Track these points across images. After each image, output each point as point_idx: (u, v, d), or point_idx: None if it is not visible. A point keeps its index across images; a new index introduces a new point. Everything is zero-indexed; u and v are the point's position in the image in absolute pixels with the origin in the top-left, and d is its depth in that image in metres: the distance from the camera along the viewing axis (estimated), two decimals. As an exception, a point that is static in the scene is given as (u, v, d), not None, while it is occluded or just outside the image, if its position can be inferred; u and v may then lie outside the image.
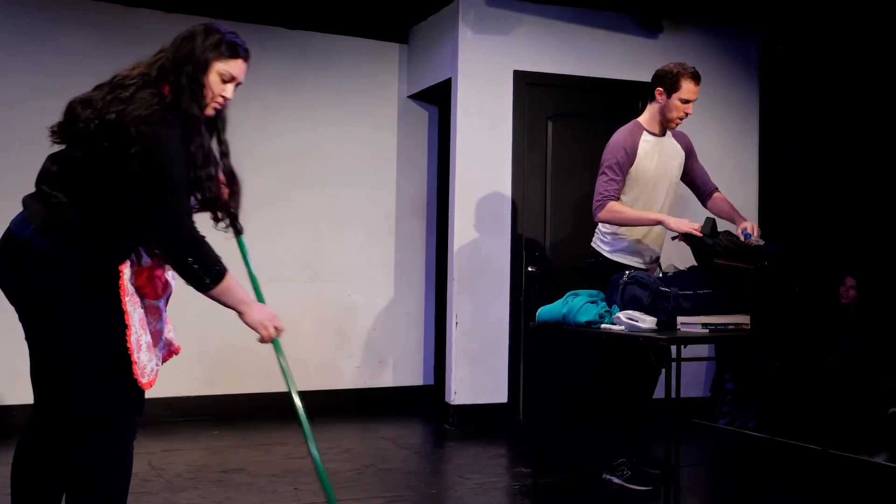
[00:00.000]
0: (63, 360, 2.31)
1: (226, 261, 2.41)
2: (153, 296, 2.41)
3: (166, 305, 2.51)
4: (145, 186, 2.23)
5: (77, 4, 5.33)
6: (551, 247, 5.60)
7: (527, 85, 5.58)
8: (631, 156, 4.00)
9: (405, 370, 6.15)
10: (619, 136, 4.09)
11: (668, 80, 4.00)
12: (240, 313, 2.44)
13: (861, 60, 5.54)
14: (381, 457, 4.66)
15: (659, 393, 4.69)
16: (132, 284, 2.35)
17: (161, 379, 5.92)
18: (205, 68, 2.32)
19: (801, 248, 5.80)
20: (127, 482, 2.50)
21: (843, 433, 4.71)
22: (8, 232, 2.32)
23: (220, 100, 2.39)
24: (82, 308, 2.29)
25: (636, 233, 4.08)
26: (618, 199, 3.97)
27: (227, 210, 2.52)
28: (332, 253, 5.96)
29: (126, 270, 2.33)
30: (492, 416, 5.46)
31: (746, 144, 6.11)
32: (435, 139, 6.29)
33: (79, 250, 2.29)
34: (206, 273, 2.31)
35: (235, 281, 2.39)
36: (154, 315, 2.44)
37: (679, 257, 5.55)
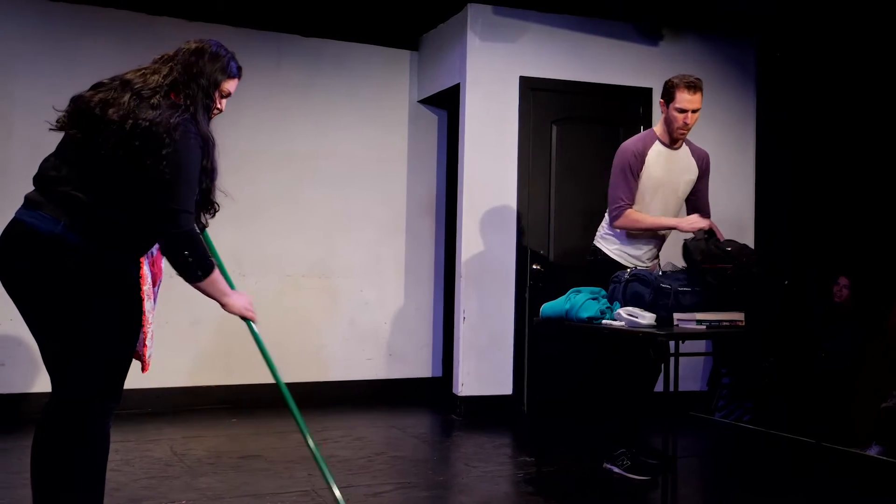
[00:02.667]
0: (89, 348, 2.37)
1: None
2: (156, 281, 2.56)
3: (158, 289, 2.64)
4: (166, 184, 2.34)
5: (104, 13, 5.37)
6: (555, 245, 5.61)
7: (532, 90, 5.59)
8: (640, 160, 3.99)
9: (415, 363, 6.18)
10: (631, 141, 4.08)
11: (666, 92, 3.96)
12: (223, 304, 2.62)
13: (855, 66, 5.53)
14: (391, 445, 4.68)
15: (658, 386, 4.70)
16: (150, 272, 2.47)
17: (183, 369, 6.02)
18: (216, 87, 2.52)
19: (796, 248, 5.80)
20: (104, 463, 2.53)
21: (836, 427, 4.71)
22: (27, 229, 2.33)
23: (217, 112, 2.59)
24: (111, 299, 2.37)
25: (643, 233, 4.08)
26: (632, 204, 3.98)
27: (213, 209, 2.66)
28: (345, 250, 6.00)
29: (145, 263, 2.45)
30: (497, 407, 5.48)
31: (743, 148, 6.11)
32: (444, 142, 6.31)
33: (108, 245, 2.35)
34: (199, 266, 2.45)
35: (220, 275, 2.56)
36: (152, 299, 2.56)
37: (672, 257, 5.57)
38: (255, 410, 5.46)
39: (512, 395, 5.54)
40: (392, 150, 6.16)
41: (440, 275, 6.28)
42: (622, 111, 5.78)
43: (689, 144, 4.15)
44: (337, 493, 2.86)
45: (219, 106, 2.57)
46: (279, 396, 5.84)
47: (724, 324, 3.59)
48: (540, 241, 5.60)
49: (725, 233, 6.07)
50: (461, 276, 5.50)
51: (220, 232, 5.63)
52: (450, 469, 4.28)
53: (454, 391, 5.53)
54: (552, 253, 5.60)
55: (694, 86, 3.86)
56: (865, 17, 5.27)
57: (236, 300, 2.63)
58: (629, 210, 3.96)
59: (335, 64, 5.98)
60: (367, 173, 6.06)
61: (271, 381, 5.79)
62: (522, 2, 5.49)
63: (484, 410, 5.44)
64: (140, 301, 2.43)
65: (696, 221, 3.89)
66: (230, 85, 2.57)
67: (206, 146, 2.45)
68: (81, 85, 5.82)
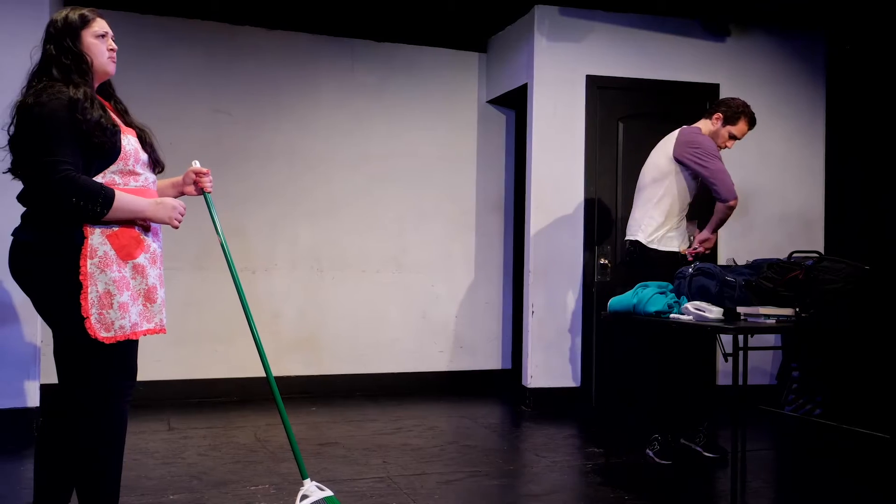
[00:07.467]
0: (56, 334, 2.43)
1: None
2: (131, 256, 2.42)
3: (161, 265, 2.55)
4: (34, 140, 2.32)
5: (189, 24, 5.52)
6: (622, 241, 5.51)
7: (598, 88, 5.52)
8: None
9: (485, 355, 6.18)
10: (705, 136, 4.15)
11: (729, 112, 4.11)
12: (146, 219, 2.46)
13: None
14: (463, 434, 4.69)
15: (726, 380, 4.55)
16: (110, 248, 2.37)
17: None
18: (78, 40, 2.49)
19: (869, 245, 5.57)
20: (118, 448, 2.48)
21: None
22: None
23: (110, 53, 2.57)
24: (53, 280, 2.35)
25: (679, 223, 4.21)
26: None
27: (156, 156, 2.61)
28: (417, 246, 6.03)
29: (93, 235, 2.35)
30: (565, 398, 5.44)
31: (813, 144, 5.90)
32: (512, 141, 6.28)
33: (43, 229, 2.36)
34: (95, 203, 2.30)
35: (127, 196, 2.39)
36: (141, 273, 2.44)
37: (740, 251, 5.41)
38: (333, 400, 5.55)
39: (580, 387, 5.49)
40: (462, 149, 6.16)
41: (509, 269, 6.26)
42: (689, 107, 5.64)
43: None
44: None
45: (107, 48, 2.55)
46: (356, 386, 5.94)
47: (792, 318, 3.47)
48: (607, 237, 5.52)
49: (794, 227, 5.86)
50: (529, 270, 5.47)
51: (299, 230, 5.78)
52: (519, 458, 4.26)
53: (523, 383, 5.51)
54: (619, 248, 5.52)
55: (755, 121, 4.18)
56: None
57: (159, 212, 2.45)
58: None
59: (407, 67, 6.02)
60: (437, 172, 6.09)
61: (348, 372, 5.90)
62: (588, 2, 5.42)
63: (552, 402, 5.41)
64: (78, 267, 2.33)
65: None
66: (97, 26, 2.54)
67: (77, 104, 2.33)
68: (168, 92, 6.00)
